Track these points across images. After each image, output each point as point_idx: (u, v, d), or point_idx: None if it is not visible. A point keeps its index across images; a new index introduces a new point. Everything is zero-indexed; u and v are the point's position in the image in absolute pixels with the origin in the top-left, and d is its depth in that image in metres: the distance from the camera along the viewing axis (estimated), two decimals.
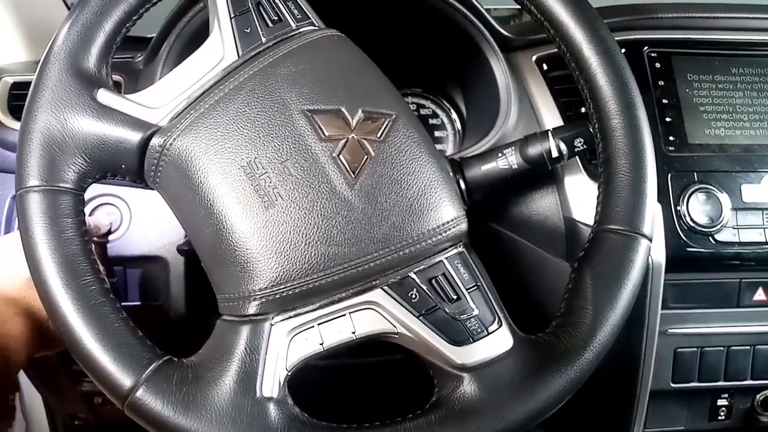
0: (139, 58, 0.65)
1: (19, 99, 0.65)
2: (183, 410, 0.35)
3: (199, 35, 0.60)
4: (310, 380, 0.42)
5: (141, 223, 0.58)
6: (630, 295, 0.41)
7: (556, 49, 0.47)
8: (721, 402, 0.65)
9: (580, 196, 0.58)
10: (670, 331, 0.61)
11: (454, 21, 0.63)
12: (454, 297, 0.39)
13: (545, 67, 0.63)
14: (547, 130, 0.52)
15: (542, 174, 0.58)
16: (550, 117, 0.61)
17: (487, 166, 0.52)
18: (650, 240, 0.42)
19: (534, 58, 0.64)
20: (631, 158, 0.42)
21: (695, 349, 0.62)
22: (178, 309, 0.57)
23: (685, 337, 0.62)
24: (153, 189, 0.42)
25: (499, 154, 0.53)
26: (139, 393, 0.35)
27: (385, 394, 0.57)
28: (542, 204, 0.60)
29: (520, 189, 0.60)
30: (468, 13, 0.62)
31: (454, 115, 0.73)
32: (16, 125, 0.63)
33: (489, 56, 0.62)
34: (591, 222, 0.54)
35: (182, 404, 0.35)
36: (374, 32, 0.54)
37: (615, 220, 0.42)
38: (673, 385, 0.62)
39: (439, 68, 0.71)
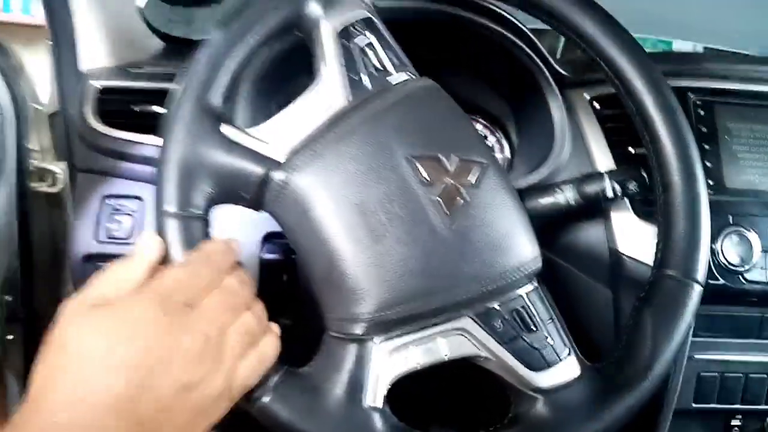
0: None
1: (106, 104, 0.69)
2: (306, 416, 0.41)
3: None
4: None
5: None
6: (683, 333, 0.47)
7: (608, 89, 0.52)
8: (734, 422, 0.71)
9: (626, 231, 0.63)
10: (695, 356, 0.67)
11: (516, 58, 0.68)
12: (533, 328, 0.45)
13: (597, 105, 0.68)
14: (604, 172, 0.58)
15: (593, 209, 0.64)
16: (601, 154, 0.66)
17: (546, 200, 0.58)
18: (702, 286, 0.48)
19: (587, 96, 0.69)
20: (690, 212, 0.48)
21: (716, 374, 0.68)
22: None
23: (708, 363, 0.68)
24: (268, 213, 0.47)
25: (557, 190, 0.58)
26: (268, 398, 0.41)
27: (455, 403, 0.63)
28: (589, 235, 0.65)
29: (570, 219, 0.66)
30: (529, 51, 0.68)
31: (505, 142, 0.79)
32: (106, 129, 0.69)
33: (547, 93, 0.68)
34: (635, 255, 0.60)
35: (305, 411, 0.41)
36: (442, 65, 0.59)
37: (673, 266, 0.48)
38: (694, 405, 0.68)
39: (497, 98, 0.76)
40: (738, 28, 1.13)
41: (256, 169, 0.45)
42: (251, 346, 0.40)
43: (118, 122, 0.69)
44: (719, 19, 1.15)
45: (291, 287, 0.68)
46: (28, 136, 0.84)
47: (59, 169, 0.88)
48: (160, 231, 0.42)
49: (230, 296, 0.40)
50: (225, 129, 0.45)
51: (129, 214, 0.68)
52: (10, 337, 0.88)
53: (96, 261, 0.68)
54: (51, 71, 0.93)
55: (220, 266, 0.41)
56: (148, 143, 0.67)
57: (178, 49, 0.86)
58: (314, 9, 0.47)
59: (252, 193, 0.45)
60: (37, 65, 0.93)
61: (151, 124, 0.69)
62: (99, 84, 0.70)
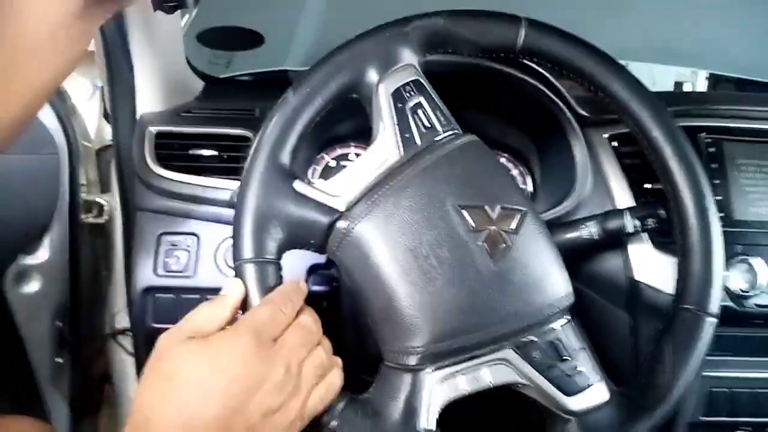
0: None
1: (163, 147, 0.75)
2: None
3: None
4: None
5: None
6: (699, 360, 0.52)
7: (624, 128, 0.56)
8: None
9: (643, 261, 0.69)
10: (705, 374, 0.72)
11: (540, 101, 0.74)
12: (567, 357, 0.51)
13: (615, 143, 0.74)
14: (625, 209, 0.64)
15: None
16: (620, 189, 0.72)
17: (572, 235, 0.64)
18: (717, 319, 0.53)
19: (606, 135, 0.75)
20: (705, 254, 0.54)
21: (726, 390, 0.74)
22: None
23: (718, 380, 0.73)
24: (331, 257, 0.53)
25: (583, 226, 0.64)
26: (335, 423, 0.47)
27: (497, 426, 0.69)
28: (609, 265, 0.71)
29: (591, 251, 0.71)
30: (551, 95, 0.74)
31: (528, 177, 0.85)
32: (164, 172, 0.74)
33: (569, 132, 0.74)
34: (651, 283, 0.66)
35: None
36: (471, 107, 0.65)
37: (690, 302, 0.53)
38: (702, 418, 0.74)
39: (521, 136, 0.82)
40: (747, 56, 1.18)
41: (322, 219, 0.51)
42: (321, 378, 0.46)
43: (173, 164, 0.75)
44: (728, 46, 1.20)
45: (331, 314, 0.74)
46: (79, 171, 0.90)
47: (105, 201, 0.94)
48: (240, 275, 0.48)
49: (306, 332, 0.46)
50: (297, 185, 0.50)
51: (185, 250, 0.74)
52: (60, 360, 0.94)
53: (155, 293, 0.74)
54: (99, 111, 1.00)
55: (295, 305, 0.47)
56: (202, 184, 0.73)
57: (219, 89, 0.92)
58: (372, 75, 0.53)
59: (318, 240, 0.51)
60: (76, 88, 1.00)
61: (203, 166, 0.75)
62: (155, 129, 0.76)
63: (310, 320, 0.47)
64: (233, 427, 0.41)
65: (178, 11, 0.69)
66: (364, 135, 0.84)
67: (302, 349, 0.46)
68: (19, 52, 0.49)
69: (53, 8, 0.49)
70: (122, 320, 0.88)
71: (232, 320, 0.47)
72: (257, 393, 0.42)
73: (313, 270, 0.74)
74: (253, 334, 0.43)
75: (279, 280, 0.49)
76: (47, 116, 0.83)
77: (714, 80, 1.32)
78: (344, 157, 0.87)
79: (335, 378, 0.48)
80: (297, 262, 0.73)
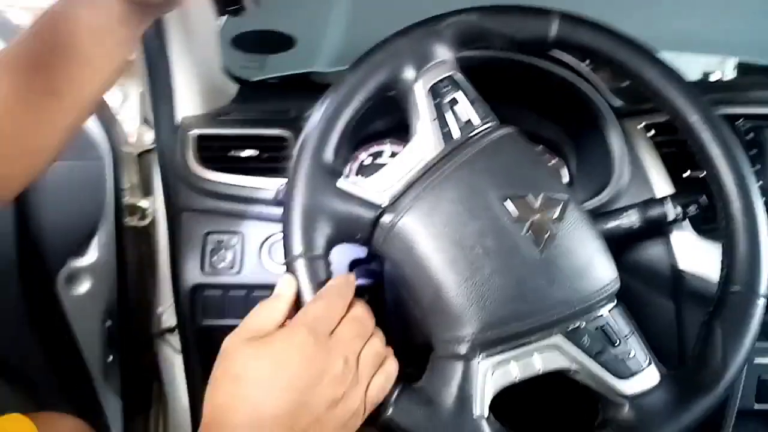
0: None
1: (204, 149, 0.77)
2: (425, 426, 0.47)
3: None
4: None
5: None
6: (751, 342, 0.52)
7: (660, 117, 0.56)
8: None
9: (685, 249, 0.69)
10: (755, 361, 0.72)
11: (575, 92, 0.74)
12: (617, 342, 0.51)
13: (652, 132, 0.74)
14: (666, 197, 0.64)
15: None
16: (659, 178, 0.72)
17: (612, 224, 0.64)
18: (766, 299, 0.53)
19: (642, 125, 0.75)
20: (751, 235, 0.53)
21: None
22: None
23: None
24: (377, 251, 0.54)
25: (623, 215, 0.64)
26: (390, 411, 0.48)
27: (550, 412, 0.70)
28: (652, 253, 0.71)
29: (633, 240, 0.71)
30: (585, 86, 0.74)
31: (564, 168, 0.85)
32: (206, 173, 0.77)
33: (605, 123, 0.74)
34: (695, 270, 0.66)
35: (424, 422, 0.48)
36: (507, 99, 0.65)
37: (739, 283, 0.53)
38: (756, 405, 0.73)
39: (556, 128, 0.82)
40: None
41: (367, 214, 0.52)
42: (379, 367, 0.48)
43: (215, 165, 0.77)
44: (753, 32, 1.18)
45: (374, 306, 0.75)
46: (122, 176, 0.93)
47: (147, 204, 0.97)
48: (292, 271, 0.50)
49: (360, 324, 0.47)
50: (341, 182, 0.52)
51: (231, 248, 0.76)
52: (110, 358, 0.98)
53: (203, 290, 0.76)
54: (139, 116, 1.03)
55: (347, 298, 0.49)
56: (243, 184, 0.75)
57: (253, 91, 0.94)
58: (409, 73, 0.54)
59: (364, 234, 0.53)
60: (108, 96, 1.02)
61: (243, 166, 0.77)
62: (197, 132, 0.78)
63: (363, 312, 0.49)
64: (300, 421, 0.42)
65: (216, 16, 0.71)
66: (399, 132, 0.86)
67: (358, 340, 0.47)
68: (73, 64, 0.52)
69: (100, 17, 0.51)
70: (169, 319, 0.90)
71: (290, 316, 0.48)
72: (319, 386, 0.43)
73: (355, 264, 0.75)
74: (309, 329, 0.44)
75: (329, 275, 0.50)
76: (90, 123, 0.86)
77: (743, 69, 1.30)
78: (379, 154, 0.88)
79: (392, 367, 0.49)
80: (339, 257, 0.74)
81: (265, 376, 0.43)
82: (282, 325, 0.47)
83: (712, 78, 1.48)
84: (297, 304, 0.49)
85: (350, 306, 0.49)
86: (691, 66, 1.51)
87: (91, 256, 0.87)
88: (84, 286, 0.88)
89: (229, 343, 0.45)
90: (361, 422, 0.46)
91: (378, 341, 0.48)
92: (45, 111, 0.52)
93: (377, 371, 0.47)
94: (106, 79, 0.55)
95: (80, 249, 0.87)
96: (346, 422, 0.45)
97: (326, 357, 0.44)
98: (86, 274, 0.88)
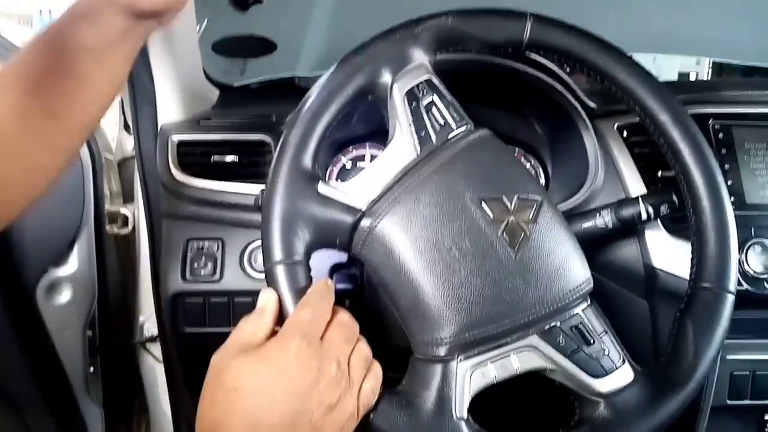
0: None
1: (185, 155, 0.78)
2: (405, 429, 0.48)
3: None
4: None
5: None
6: (721, 337, 0.54)
7: (633, 118, 0.57)
8: None
9: (658, 247, 0.71)
10: (727, 357, 0.74)
11: (550, 94, 0.75)
12: (591, 341, 0.52)
13: (625, 133, 0.76)
14: (638, 196, 0.65)
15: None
16: (632, 179, 0.73)
17: (587, 224, 0.66)
18: (735, 294, 0.55)
19: (615, 126, 0.76)
20: (719, 232, 0.55)
21: (748, 372, 0.75)
22: None
23: (740, 363, 0.74)
24: (356, 255, 0.54)
25: (597, 215, 0.66)
26: (371, 415, 0.48)
27: (527, 411, 0.70)
28: (625, 252, 0.73)
29: (607, 239, 0.73)
30: (561, 88, 0.75)
31: (540, 169, 0.86)
32: (187, 179, 0.77)
33: (579, 124, 0.75)
34: (667, 268, 0.67)
35: (404, 425, 0.48)
36: (483, 102, 0.66)
37: (708, 280, 0.55)
38: (728, 402, 0.75)
39: (532, 130, 0.83)
40: (751, 42, 1.18)
41: (347, 218, 0.52)
42: (368, 370, 0.48)
43: (196, 171, 0.77)
44: (731, 33, 1.20)
45: (354, 311, 0.76)
46: (103, 183, 0.93)
47: (128, 211, 0.97)
48: (271, 277, 0.50)
49: (346, 328, 0.48)
50: (321, 187, 0.52)
51: (211, 255, 0.76)
52: (91, 369, 0.97)
53: (184, 298, 0.76)
54: (119, 123, 1.02)
55: (330, 303, 0.49)
56: (225, 190, 0.76)
57: (234, 97, 0.94)
58: (386, 77, 0.55)
59: (343, 239, 0.53)
60: None
61: (225, 172, 0.77)
62: (178, 138, 0.78)
63: (348, 317, 0.49)
64: (299, 427, 0.43)
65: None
66: (379, 135, 0.86)
67: (347, 344, 0.47)
68: (73, 85, 0.51)
69: (101, 34, 0.50)
70: (150, 328, 0.90)
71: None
72: (315, 391, 0.44)
73: (335, 269, 0.76)
74: (301, 336, 0.45)
75: (309, 281, 0.51)
76: None
77: (718, 69, 1.33)
78: (360, 158, 0.89)
79: (379, 370, 0.49)
80: (319, 263, 0.74)
81: (264, 386, 0.43)
82: (271, 335, 0.47)
83: (690, 78, 1.51)
84: (279, 312, 0.49)
85: (334, 312, 0.49)
86: (668, 67, 1.54)
87: (72, 265, 0.87)
88: (64, 296, 0.87)
89: (219, 358, 0.45)
90: (355, 425, 0.47)
91: (364, 345, 0.49)
92: (44, 134, 0.50)
93: (368, 374, 0.48)
94: (106, 100, 0.54)
95: (60, 258, 0.86)
96: (343, 426, 0.45)
97: (320, 362, 0.45)
98: (66, 284, 0.87)
